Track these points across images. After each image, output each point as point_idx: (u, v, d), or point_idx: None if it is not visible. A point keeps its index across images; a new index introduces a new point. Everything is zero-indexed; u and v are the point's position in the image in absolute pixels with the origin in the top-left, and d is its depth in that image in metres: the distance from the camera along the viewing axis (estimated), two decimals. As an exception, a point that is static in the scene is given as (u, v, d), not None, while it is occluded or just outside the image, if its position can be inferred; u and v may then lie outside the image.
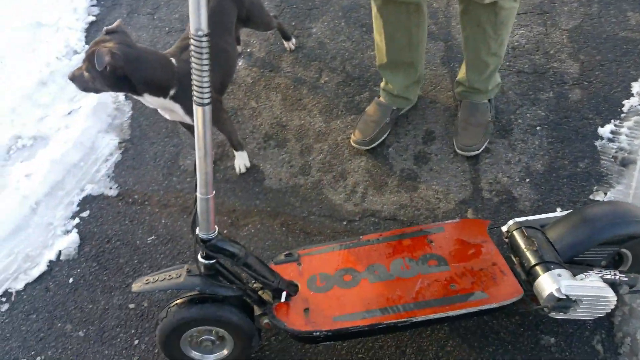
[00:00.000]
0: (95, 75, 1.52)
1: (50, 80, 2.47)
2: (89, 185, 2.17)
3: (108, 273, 1.91)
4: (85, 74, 1.54)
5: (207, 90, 1.03)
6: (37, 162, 2.21)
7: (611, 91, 2.06)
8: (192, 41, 0.98)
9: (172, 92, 1.63)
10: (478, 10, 1.67)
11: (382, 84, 2.06)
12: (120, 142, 2.30)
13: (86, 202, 2.13)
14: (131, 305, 1.80)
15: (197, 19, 0.96)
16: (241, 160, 2.06)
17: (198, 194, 1.17)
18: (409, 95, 2.04)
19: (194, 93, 1.04)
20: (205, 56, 1.00)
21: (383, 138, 2.05)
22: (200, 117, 1.06)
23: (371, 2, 1.81)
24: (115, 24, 1.59)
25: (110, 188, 2.16)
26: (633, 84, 2.04)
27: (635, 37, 2.19)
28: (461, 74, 1.98)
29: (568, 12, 2.34)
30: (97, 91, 1.62)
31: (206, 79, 1.02)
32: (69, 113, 2.36)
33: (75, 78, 1.58)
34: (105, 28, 1.57)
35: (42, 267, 1.96)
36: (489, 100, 1.99)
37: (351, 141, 2.05)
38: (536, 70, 2.17)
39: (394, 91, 2.00)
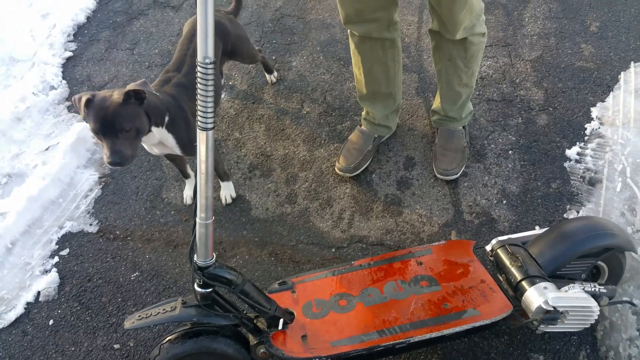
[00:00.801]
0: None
1: (26, 115, 2.46)
2: (68, 222, 2.14)
3: (91, 313, 1.87)
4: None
5: (211, 115, 1.07)
6: (12, 200, 2.16)
7: (574, 116, 2.23)
8: (198, 68, 1.03)
9: (166, 119, 1.66)
10: (449, 46, 1.79)
11: (363, 114, 2.16)
12: (100, 177, 2.29)
13: (65, 239, 2.10)
14: (116, 346, 1.77)
15: (205, 47, 1.01)
16: (227, 191, 2.09)
17: (197, 219, 1.17)
18: (389, 124, 2.15)
19: (198, 118, 1.07)
20: (210, 82, 1.04)
21: (366, 165, 2.13)
22: (203, 141, 1.09)
23: (349, 38, 1.93)
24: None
25: (91, 224, 2.14)
26: (592, 108, 2.23)
27: (589, 66, 2.40)
28: (436, 103, 2.11)
29: (529, 44, 2.55)
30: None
31: (210, 105, 1.06)
32: (47, 149, 2.35)
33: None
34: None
35: (18, 310, 1.89)
36: (464, 127, 2.11)
37: (336, 169, 2.13)
38: (504, 98, 2.34)
39: (375, 120, 2.11)
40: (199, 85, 1.04)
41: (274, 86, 2.54)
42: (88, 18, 3.06)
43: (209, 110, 1.06)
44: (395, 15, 1.79)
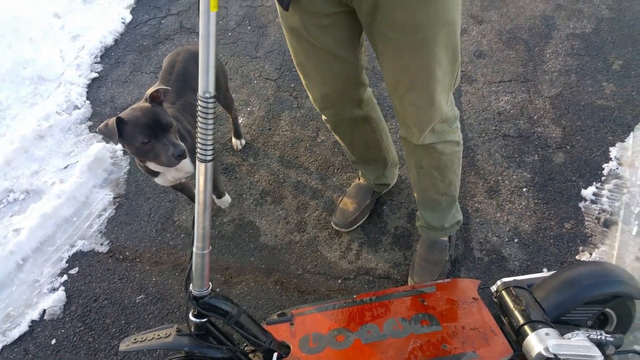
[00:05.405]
0: None
1: (48, 134, 2.59)
2: (80, 241, 2.23)
3: (93, 334, 1.92)
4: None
5: (210, 147, 1.11)
6: (27, 216, 2.27)
7: (592, 155, 2.23)
8: (199, 102, 1.08)
9: (178, 128, 1.76)
10: (418, 153, 1.64)
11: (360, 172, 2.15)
12: (115, 198, 2.38)
13: (76, 258, 2.18)
14: (116, 368, 1.82)
15: (206, 83, 1.07)
16: (223, 204, 2.21)
17: (194, 249, 1.20)
18: (386, 181, 2.12)
19: (198, 150, 1.12)
20: (210, 116, 1.09)
21: (364, 220, 2.13)
22: (202, 172, 1.13)
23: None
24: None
25: (102, 244, 2.22)
26: (611, 148, 2.22)
27: (610, 105, 2.40)
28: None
29: (549, 80, 2.57)
30: None
31: (210, 138, 1.10)
32: (65, 167, 2.46)
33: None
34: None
35: (23, 328, 1.96)
36: (449, 238, 1.94)
37: (332, 222, 2.12)
38: (521, 134, 2.35)
39: (370, 181, 2.10)
40: (199, 118, 1.09)
41: (290, 113, 2.62)
42: (116, 41, 3.23)
43: (209, 142, 1.10)
44: (365, 94, 1.73)
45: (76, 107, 2.76)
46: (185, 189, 2.09)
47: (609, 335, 1.44)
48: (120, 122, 1.52)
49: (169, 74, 1.96)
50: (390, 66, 1.40)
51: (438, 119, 1.49)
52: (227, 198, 2.22)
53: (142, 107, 1.57)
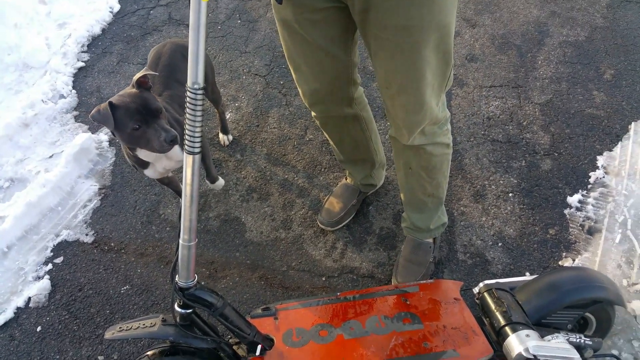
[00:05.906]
0: None
1: (34, 122, 2.61)
2: (65, 230, 2.27)
3: (78, 322, 1.98)
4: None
5: (198, 139, 1.14)
6: (12, 204, 2.30)
7: (579, 163, 2.31)
8: (188, 93, 1.10)
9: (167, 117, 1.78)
10: (407, 153, 1.68)
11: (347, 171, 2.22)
12: (100, 188, 2.42)
13: (61, 247, 2.22)
14: (100, 358, 1.87)
15: (195, 74, 1.09)
16: (217, 187, 2.24)
17: (180, 241, 1.24)
18: (373, 182, 2.18)
19: (186, 142, 1.15)
20: (199, 108, 1.11)
21: (349, 219, 2.19)
22: (189, 164, 1.16)
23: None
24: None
25: (87, 234, 2.26)
26: (598, 157, 2.31)
27: (599, 114, 2.49)
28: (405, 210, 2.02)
29: (540, 87, 2.65)
30: None
31: (198, 130, 1.13)
32: (50, 156, 2.49)
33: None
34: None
35: (8, 314, 2.01)
36: (434, 240, 2.01)
37: (318, 221, 2.19)
38: (510, 139, 2.43)
39: (357, 180, 2.17)
40: (187, 109, 1.11)
41: (278, 110, 2.68)
42: (103, 30, 3.26)
43: (197, 134, 1.13)
44: (356, 92, 1.76)
45: (62, 96, 2.79)
46: (172, 183, 2.13)
47: (588, 339, 1.51)
48: (111, 106, 1.55)
49: (155, 65, 1.99)
50: (382, 66, 1.43)
51: (428, 120, 1.53)
52: (220, 181, 2.24)
53: (130, 93, 1.59)
